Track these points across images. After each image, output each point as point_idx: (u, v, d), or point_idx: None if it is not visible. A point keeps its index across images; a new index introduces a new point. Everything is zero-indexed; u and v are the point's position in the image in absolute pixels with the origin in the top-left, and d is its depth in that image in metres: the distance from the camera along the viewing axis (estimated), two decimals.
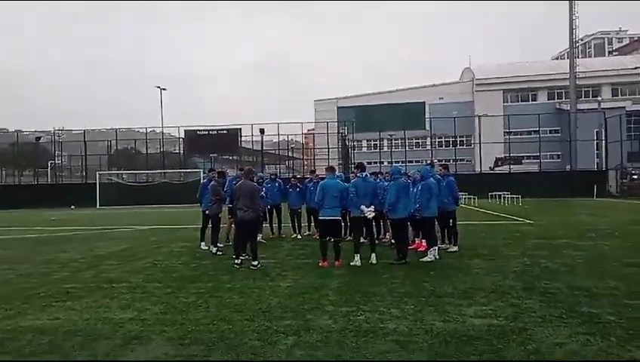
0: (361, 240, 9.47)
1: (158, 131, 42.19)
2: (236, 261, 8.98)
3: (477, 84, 64.93)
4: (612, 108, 48.29)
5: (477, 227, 15.51)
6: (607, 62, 67.32)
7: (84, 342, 4.94)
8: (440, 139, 58.86)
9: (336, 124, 46.14)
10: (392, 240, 11.64)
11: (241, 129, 37.30)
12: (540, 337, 4.82)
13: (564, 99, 59.07)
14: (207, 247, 11.03)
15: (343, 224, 10.38)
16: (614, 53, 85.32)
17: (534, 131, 43.29)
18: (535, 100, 64.06)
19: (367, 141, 60.36)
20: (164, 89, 47.58)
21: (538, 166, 39.99)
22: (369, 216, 8.94)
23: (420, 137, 58.75)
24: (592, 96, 60.27)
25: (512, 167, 40.86)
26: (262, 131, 38.62)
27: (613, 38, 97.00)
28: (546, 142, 50.03)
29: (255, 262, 8.80)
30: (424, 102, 48.43)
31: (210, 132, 37.12)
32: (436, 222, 10.63)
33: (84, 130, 40.81)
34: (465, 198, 28.40)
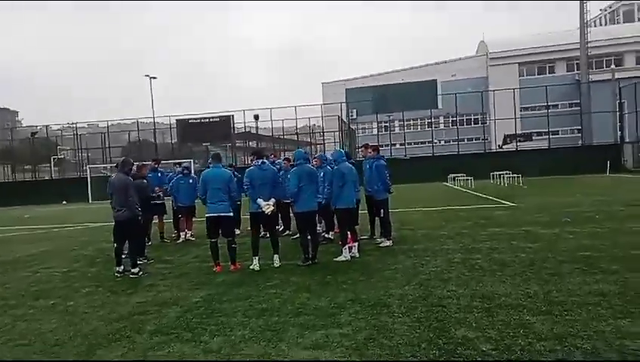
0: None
1: (148, 122, 41.24)
2: (117, 268, 7.80)
3: (491, 58, 61.77)
4: (636, 77, 44.82)
5: (444, 213, 13.95)
6: (632, 28, 63.07)
7: None
8: (454, 118, 56.39)
9: (345, 106, 44.41)
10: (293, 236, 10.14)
11: (233, 116, 36.02)
12: None
13: None
14: None
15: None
16: None
17: (553, 105, 40.59)
18: (553, 72, 60.61)
19: (379, 123, 58.44)
20: (154, 77, 46.02)
21: (548, 142, 37.34)
22: (267, 211, 7.61)
23: (431, 117, 56.49)
24: (616, 65, 56.53)
25: (520, 143, 38.49)
26: (256, 117, 37.34)
27: None
28: (565, 116, 47.21)
29: (135, 270, 7.62)
30: (435, 80, 46.21)
31: (202, 120, 36.00)
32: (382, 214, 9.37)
33: (76, 124, 40.33)
34: (462, 180, 26.57)
